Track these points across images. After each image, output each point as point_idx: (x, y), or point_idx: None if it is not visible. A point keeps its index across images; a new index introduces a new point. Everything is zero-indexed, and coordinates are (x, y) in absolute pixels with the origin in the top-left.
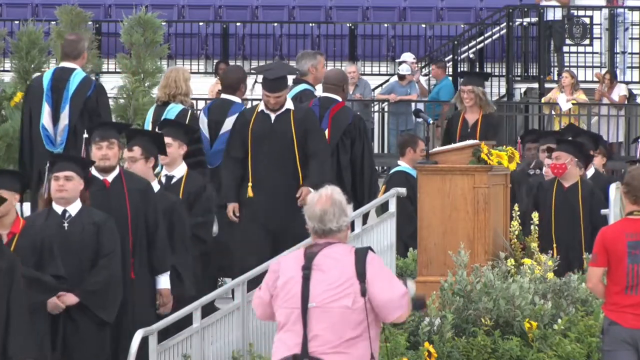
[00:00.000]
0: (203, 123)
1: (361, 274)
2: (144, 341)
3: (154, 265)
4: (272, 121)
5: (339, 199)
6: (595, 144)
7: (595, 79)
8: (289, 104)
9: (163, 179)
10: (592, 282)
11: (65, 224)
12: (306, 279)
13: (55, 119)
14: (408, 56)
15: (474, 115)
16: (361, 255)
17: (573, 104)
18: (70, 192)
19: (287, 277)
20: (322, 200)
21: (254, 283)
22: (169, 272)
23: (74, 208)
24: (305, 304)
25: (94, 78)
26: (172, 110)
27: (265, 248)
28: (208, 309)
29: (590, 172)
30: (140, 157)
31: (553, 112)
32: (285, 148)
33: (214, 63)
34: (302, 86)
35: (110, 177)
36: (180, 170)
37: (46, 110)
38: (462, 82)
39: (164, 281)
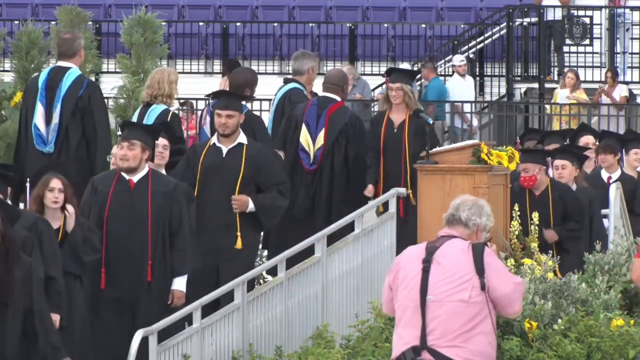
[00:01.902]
0: (207, 122)
1: (480, 269)
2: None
3: (172, 267)
4: (224, 155)
5: (483, 204)
6: (623, 144)
7: (596, 79)
8: (242, 138)
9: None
10: (635, 274)
11: None
12: (425, 272)
13: (48, 119)
14: (457, 58)
15: (400, 115)
16: (479, 250)
17: (572, 103)
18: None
19: (407, 270)
20: (467, 197)
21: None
22: (186, 275)
23: None
24: (423, 297)
25: (93, 78)
26: (154, 111)
27: (210, 280)
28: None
29: (616, 174)
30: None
31: (549, 110)
32: (234, 183)
33: (213, 63)
34: (292, 85)
35: (136, 178)
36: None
37: (39, 109)
38: (390, 79)
39: (179, 282)
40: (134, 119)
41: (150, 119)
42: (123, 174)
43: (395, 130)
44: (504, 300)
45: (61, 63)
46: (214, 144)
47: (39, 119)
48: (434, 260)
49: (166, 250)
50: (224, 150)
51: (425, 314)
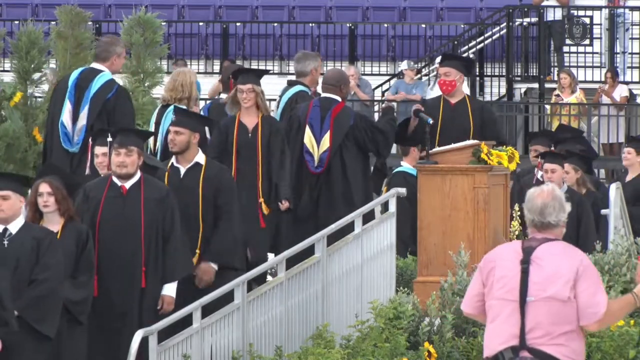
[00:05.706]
0: None
1: (577, 272)
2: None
3: (163, 273)
4: (181, 176)
5: (559, 195)
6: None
7: (596, 79)
8: (200, 158)
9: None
10: None
11: (5, 242)
12: (525, 273)
13: (75, 118)
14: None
15: (252, 119)
16: (578, 255)
17: (572, 103)
18: (7, 211)
19: (505, 269)
20: (543, 194)
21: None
22: (176, 282)
23: (15, 226)
24: (523, 297)
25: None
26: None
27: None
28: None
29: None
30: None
31: (549, 110)
32: (192, 204)
33: (213, 63)
34: (298, 87)
35: (128, 184)
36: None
37: (67, 107)
38: (239, 81)
39: (169, 288)
40: (153, 119)
41: (167, 120)
42: (115, 180)
43: (250, 135)
44: (580, 309)
45: (95, 65)
46: (172, 164)
47: (66, 116)
48: (532, 261)
49: (159, 256)
50: (182, 171)
51: (525, 314)
